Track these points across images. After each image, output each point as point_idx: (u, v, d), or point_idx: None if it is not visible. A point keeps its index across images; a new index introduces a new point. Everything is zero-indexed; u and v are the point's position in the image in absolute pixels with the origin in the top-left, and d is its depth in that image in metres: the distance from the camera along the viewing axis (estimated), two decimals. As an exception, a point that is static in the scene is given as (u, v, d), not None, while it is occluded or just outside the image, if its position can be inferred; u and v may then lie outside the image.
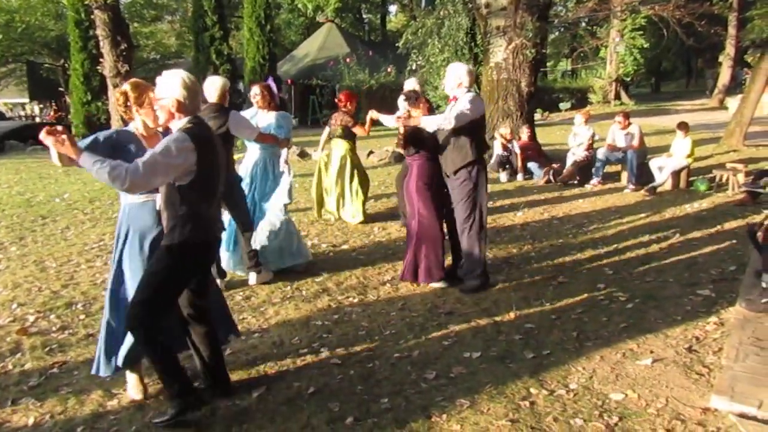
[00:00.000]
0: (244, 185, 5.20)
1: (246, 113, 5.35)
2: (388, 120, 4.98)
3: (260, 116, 5.40)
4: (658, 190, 8.26)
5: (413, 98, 4.94)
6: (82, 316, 4.39)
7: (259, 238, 5.05)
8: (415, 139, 4.79)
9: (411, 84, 6.66)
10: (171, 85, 2.82)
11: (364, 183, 7.10)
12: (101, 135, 3.13)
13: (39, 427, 2.98)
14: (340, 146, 7.03)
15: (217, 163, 2.93)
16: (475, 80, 4.67)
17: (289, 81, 21.93)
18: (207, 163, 2.82)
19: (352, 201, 6.97)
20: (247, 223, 4.94)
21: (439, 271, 4.84)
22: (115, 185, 2.59)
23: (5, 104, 32.39)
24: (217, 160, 2.93)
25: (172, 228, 2.84)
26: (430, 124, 4.66)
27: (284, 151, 5.32)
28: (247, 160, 5.44)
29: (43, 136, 2.62)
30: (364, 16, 40.91)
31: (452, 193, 4.76)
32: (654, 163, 8.56)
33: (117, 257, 3.19)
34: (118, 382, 3.37)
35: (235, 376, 3.43)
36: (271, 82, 5.40)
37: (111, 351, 3.14)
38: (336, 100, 7.10)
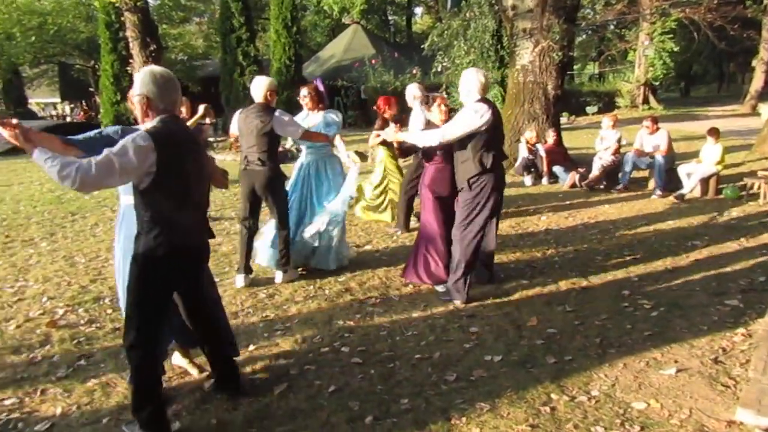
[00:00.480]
0: (290, 185, 5.26)
1: (297, 117, 5.29)
2: (385, 134, 4.92)
3: (310, 118, 5.36)
4: (686, 197, 8.13)
5: (424, 102, 4.96)
6: (109, 311, 4.48)
7: (310, 233, 5.15)
8: (410, 150, 4.88)
9: (413, 90, 6.61)
10: (141, 81, 2.67)
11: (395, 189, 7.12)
12: (106, 129, 3.08)
13: (66, 417, 3.05)
14: (379, 152, 7.20)
15: (189, 167, 2.70)
16: (486, 88, 4.44)
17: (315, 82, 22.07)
18: (172, 165, 2.61)
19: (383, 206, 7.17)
20: (284, 222, 5.00)
21: (436, 276, 4.79)
22: (65, 185, 2.42)
23: (38, 104, 33.19)
24: (189, 163, 2.70)
25: (137, 236, 2.70)
26: (417, 141, 4.62)
27: (341, 146, 5.33)
28: (298, 161, 5.46)
29: None
30: (390, 17, 40.98)
31: (459, 202, 4.62)
32: (683, 170, 8.42)
33: (117, 262, 3.24)
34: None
35: (256, 373, 3.47)
36: (318, 83, 5.37)
37: None
38: (375, 107, 7.10)
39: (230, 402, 3.15)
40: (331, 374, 3.46)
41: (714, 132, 8.32)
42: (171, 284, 2.82)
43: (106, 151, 2.49)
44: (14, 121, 2.60)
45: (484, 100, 4.42)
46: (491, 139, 4.40)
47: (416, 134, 4.66)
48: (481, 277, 4.86)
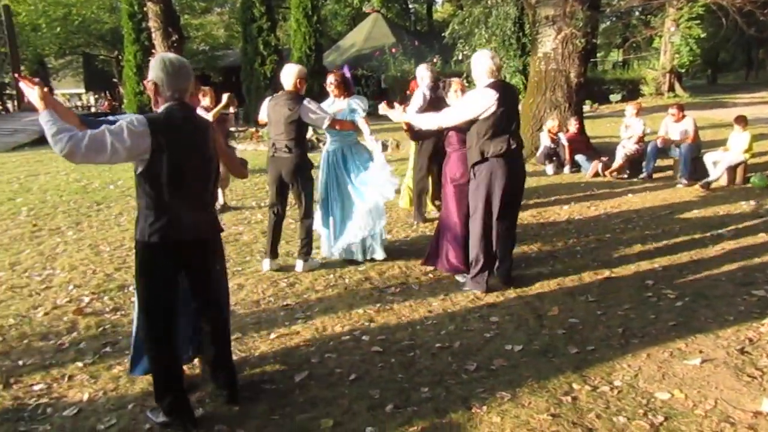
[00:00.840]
0: (320, 174, 5.27)
1: (323, 104, 5.23)
2: (391, 114, 4.87)
3: (336, 104, 5.31)
4: (712, 185, 7.98)
5: (442, 86, 4.95)
6: (133, 299, 4.53)
7: (362, 225, 5.14)
8: (422, 133, 4.87)
9: (422, 70, 6.59)
10: (152, 67, 2.68)
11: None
12: (128, 116, 3.01)
13: (93, 403, 3.11)
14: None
15: (187, 156, 2.66)
16: (496, 70, 4.27)
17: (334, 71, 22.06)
18: (167, 153, 2.56)
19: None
20: (308, 211, 5.05)
21: (454, 265, 4.74)
22: (56, 149, 2.42)
23: (63, 95, 33.68)
24: (187, 152, 2.66)
25: (136, 222, 2.69)
26: (420, 123, 4.61)
27: (366, 128, 5.24)
28: (324, 150, 5.40)
29: (21, 83, 2.63)
30: (411, 6, 40.74)
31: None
32: (709, 158, 8.26)
33: None
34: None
35: (278, 361, 3.50)
36: (346, 70, 5.29)
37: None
38: (407, 92, 7.12)
39: (252, 390, 3.19)
40: (352, 362, 3.48)
41: (741, 120, 8.15)
42: (169, 274, 2.74)
43: (103, 126, 2.50)
44: (36, 79, 2.66)
45: (494, 84, 4.26)
46: (497, 126, 4.20)
47: (417, 116, 4.63)
48: (501, 274, 4.62)
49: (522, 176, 4.55)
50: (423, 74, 6.46)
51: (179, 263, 2.77)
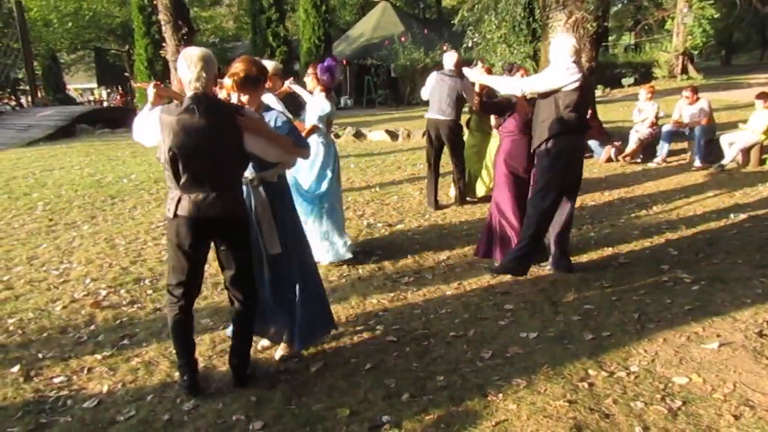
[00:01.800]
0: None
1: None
2: (472, 73, 4.74)
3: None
4: (727, 167, 7.88)
5: (509, 70, 4.84)
6: (149, 291, 4.59)
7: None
8: (496, 106, 4.66)
9: (453, 56, 6.60)
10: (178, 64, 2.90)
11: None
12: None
13: (112, 395, 3.15)
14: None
15: (192, 143, 2.76)
16: (578, 53, 4.23)
17: (344, 61, 21.96)
18: (167, 143, 2.76)
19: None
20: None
21: (501, 250, 4.69)
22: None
23: (75, 90, 33.91)
24: (191, 139, 2.76)
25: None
26: (499, 85, 4.49)
27: (297, 88, 5.09)
28: (325, 142, 5.08)
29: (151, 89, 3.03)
30: (419, -7, 40.39)
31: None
32: (725, 139, 8.13)
33: None
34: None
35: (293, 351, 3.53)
36: (328, 61, 5.02)
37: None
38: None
39: (269, 380, 3.21)
40: (367, 352, 3.49)
41: (764, 96, 7.98)
42: (184, 247, 2.92)
43: (146, 114, 2.93)
44: (152, 82, 3.14)
45: (576, 63, 4.22)
46: (577, 102, 4.19)
47: (497, 78, 4.48)
48: (562, 266, 4.58)
49: (582, 164, 4.56)
50: (452, 60, 6.56)
51: (197, 237, 2.93)
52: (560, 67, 4.18)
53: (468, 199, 6.95)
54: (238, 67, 3.13)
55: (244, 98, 3.13)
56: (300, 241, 3.48)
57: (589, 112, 9.62)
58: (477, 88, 4.64)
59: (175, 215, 2.88)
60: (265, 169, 3.19)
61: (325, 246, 4.86)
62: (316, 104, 4.79)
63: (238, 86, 3.12)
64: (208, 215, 2.87)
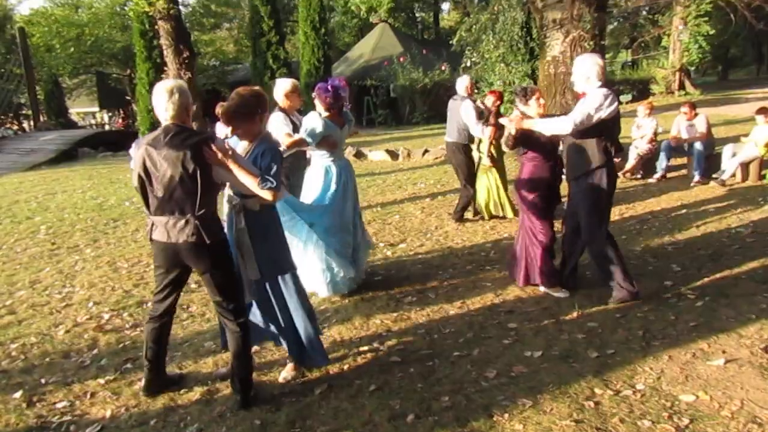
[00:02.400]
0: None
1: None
2: (511, 124, 4.44)
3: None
4: (727, 182, 7.90)
5: (523, 95, 4.54)
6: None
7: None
8: (527, 140, 4.41)
9: (464, 81, 6.72)
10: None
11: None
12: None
13: (115, 419, 3.14)
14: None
15: (153, 169, 2.92)
16: (604, 73, 4.16)
17: (344, 82, 22.14)
18: (136, 170, 2.99)
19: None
20: None
21: (542, 276, 4.53)
22: None
23: (77, 113, 34.13)
24: (152, 165, 2.92)
25: None
26: (547, 128, 4.26)
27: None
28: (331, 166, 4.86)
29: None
30: (417, 14, 40.82)
31: (574, 199, 4.38)
32: (728, 149, 8.11)
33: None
34: (188, 378, 3.51)
35: (297, 373, 3.51)
36: (333, 82, 4.80)
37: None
38: (488, 102, 6.96)
39: (273, 403, 3.20)
40: (371, 373, 3.47)
41: (764, 110, 8.03)
42: (161, 270, 3.17)
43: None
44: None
45: (606, 85, 4.17)
46: (614, 127, 4.19)
47: (545, 121, 4.30)
48: (571, 284, 4.56)
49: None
50: (467, 84, 6.77)
51: (171, 261, 3.12)
52: (599, 95, 4.06)
53: (471, 218, 7.00)
54: (231, 99, 3.24)
55: (229, 130, 3.27)
56: (282, 269, 3.39)
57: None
58: (513, 131, 4.35)
59: (151, 239, 3.10)
60: (246, 197, 3.20)
61: (324, 277, 4.67)
62: (305, 122, 4.66)
63: (226, 119, 3.28)
64: (178, 240, 3.00)
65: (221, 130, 7.17)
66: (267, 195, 3.05)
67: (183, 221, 2.97)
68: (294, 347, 3.47)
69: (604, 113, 4.05)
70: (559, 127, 4.17)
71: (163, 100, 2.94)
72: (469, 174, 6.85)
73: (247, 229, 3.25)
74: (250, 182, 3.02)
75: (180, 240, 2.99)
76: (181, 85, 3.03)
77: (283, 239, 3.47)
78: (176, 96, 2.94)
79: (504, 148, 4.68)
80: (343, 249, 4.69)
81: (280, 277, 3.39)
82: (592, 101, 4.05)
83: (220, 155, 2.94)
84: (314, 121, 4.58)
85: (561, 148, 4.58)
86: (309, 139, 4.57)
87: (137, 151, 2.98)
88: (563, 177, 4.68)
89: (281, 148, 4.43)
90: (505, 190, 6.88)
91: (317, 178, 4.73)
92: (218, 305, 3.18)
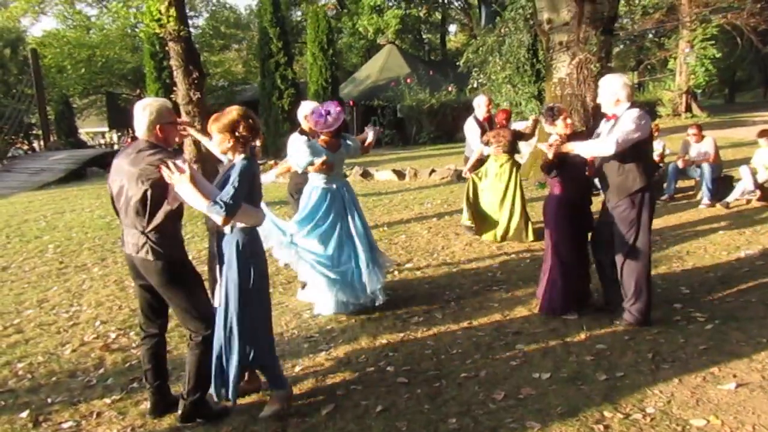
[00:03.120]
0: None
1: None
2: (543, 146, 4.45)
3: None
4: (731, 204, 7.88)
5: (550, 115, 4.45)
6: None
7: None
8: (563, 163, 4.32)
9: (481, 101, 6.97)
10: None
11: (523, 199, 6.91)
12: None
13: (121, 440, 3.12)
14: (500, 160, 6.80)
15: (112, 186, 3.11)
16: (633, 92, 4.13)
17: (351, 102, 22.32)
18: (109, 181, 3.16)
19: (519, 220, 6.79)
20: None
21: (566, 302, 4.46)
22: None
23: (87, 133, 34.46)
24: (112, 182, 3.10)
25: None
26: (587, 151, 4.18)
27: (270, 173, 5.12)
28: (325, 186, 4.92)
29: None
30: (424, 36, 41.21)
31: (615, 221, 4.19)
32: (746, 171, 8.04)
33: None
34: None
35: (303, 394, 3.49)
36: (327, 106, 4.64)
37: None
38: (496, 119, 7.06)
39: (279, 422, 3.17)
40: (378, 394, 3.45)
41: (766, 133, 8.04)
42: (134, 282, 3.32)
43: None
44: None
45: (637, 105, 4.13)
46: (650, 148, 4.21)
47: (586, 144, 4.21)
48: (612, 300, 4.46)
49: None
50: (482, 104, 7.22)
51: (132, 273, 3.26)
52: (634, 115, 4.01)
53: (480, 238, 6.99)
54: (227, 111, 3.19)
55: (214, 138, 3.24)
56: (244, 301, 3.16)
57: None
58: (551, 156, 4.28)
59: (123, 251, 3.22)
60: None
61: (318, 294, 4.75)
62: (289, 147, 4.75)
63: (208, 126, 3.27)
64: (132, 254, 3.09)
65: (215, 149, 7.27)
66: (216, 219, 2.93)
67: (137, 236, 3.04)
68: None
69: (643, 134, 4.00)
70: (602, 149, 4.06)
71: (137, 117, 3.03)
72: None
73: (219, 253, 3.21)
74: (201, 204, 2.90)
75: (134, 253, 3.07)
76: (158, 104, 3.08)
77: (250, 267, 3.18)
78: (147, 113, 3.02)
79: (539, 173, 4.67)
80: (333, 269, 4.68)
81: (243, 307, 3.17)
82: (630, 121, 3.98)
83: (174, 175, 2.85)
84: (298, 147, 4.65)
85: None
86: (296, 167, 4.72)
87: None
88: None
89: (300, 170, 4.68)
90: (520, 213, 6.76)
91: (311, 199, 4.79)
92: (180, 322, 3.25)
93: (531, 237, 6.74)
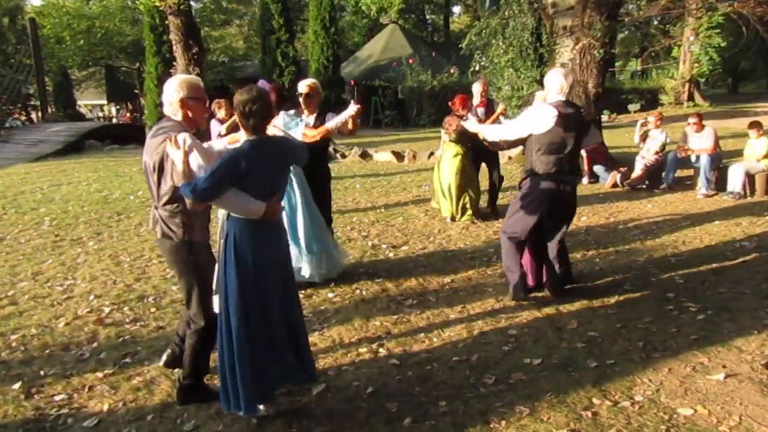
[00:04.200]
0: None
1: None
2: (468, 125, 5.10)
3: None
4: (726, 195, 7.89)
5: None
6: (153, 309, 4.59)
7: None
8: (495, 143, 4.76)
9: (476, 88, 7.00)
10: None
11: (471, 184, 7.17)
12: None
13: (112, 414, 3.14)
14: (452, 149, 7.09)
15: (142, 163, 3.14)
16: (568, 88, 4.24)
17: (351, 82, 22.17)
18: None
19: (454, 200, 7.08)
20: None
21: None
22: None
23: (85, 105, 34.23)
24: (143, 159, 3.10)
25: None
26: (488, 134, 4.73)
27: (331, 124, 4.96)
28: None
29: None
30: (428, 17, 40.85)
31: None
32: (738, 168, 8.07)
33: None
34: (186, 374, 3.51)
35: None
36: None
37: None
38: (450, 104, 7.21)
39: (270, 402, 3.18)
40: (369, 375, 3.47)
41: (756, 125, 8.04)
42: None
43: None
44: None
45: (559, 103, 4.21)
46: (550, 144, 4.20)
47: (484, 127, 4.78)
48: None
49: (569, 201, 4.46)
50: (480, 89, 7.27)
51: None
52: (534, 111, 4.40)
53: (474, 221, 7.05)
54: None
55: (223, 128, 3.30)
56: (224, 292, 2.92)
57: (598, 137, 9.66)
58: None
59: None
60: None
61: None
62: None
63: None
64: (152, 230, 3.11)
65: (216, 127, 7.26)
66: (187, 202, 2.85)
67: (153, 211, 3.09)
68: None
69: (529, 130, 4.28)
70: (491, 134, 4.69)
71: (164, 93, 3.05)
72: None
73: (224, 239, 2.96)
74: (180, 183, 2.81)
75: (152, 228, 3.12)
76: (175, 80, 3.03)
77: (240, 268, 2.89)
78: (165, 90, 3.04)
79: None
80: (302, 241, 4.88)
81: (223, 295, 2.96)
82: (524, 116, 4.45)
83: (172, 150, 2.80)
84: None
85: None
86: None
87: None
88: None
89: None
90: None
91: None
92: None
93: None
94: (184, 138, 2.83)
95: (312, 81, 5.16)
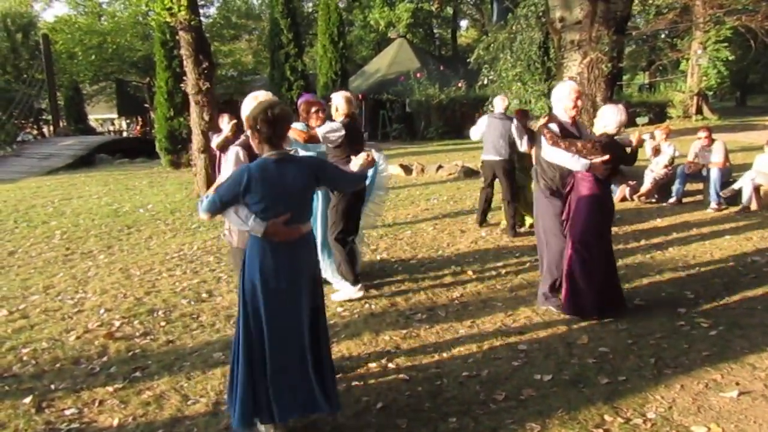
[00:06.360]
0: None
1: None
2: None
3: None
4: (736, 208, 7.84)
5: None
6: (162, 323, 4.60)
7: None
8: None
9: (501, 101, 7.33)
10: None
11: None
12: None
13: (122, 428, 3.14)
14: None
15: None
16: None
17: (360, 96, 22.29)
18: None
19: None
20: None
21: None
22: None
23: (96, 120, 34.61)
24: None
25: None
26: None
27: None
28: None
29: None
30: (435, 31, 41.05)
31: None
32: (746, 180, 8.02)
33: None
34: (195, 389, 3.51)
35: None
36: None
37: None
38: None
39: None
40: (379, 390, 3.46)
41: None
42: None
43: None
44: None
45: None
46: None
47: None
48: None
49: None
50: (503, 104, 7.35)
51: None
52: None
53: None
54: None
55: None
56: (242, 322, 2.92)
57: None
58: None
59: None
60: None
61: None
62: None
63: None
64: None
65: (216, 141, 7.71)
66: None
67: None
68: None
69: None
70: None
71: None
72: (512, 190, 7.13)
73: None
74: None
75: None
76: (251, 101, 3.31)
77: (247, 287, 2.90)
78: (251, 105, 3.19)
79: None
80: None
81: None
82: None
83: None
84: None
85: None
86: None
87: None
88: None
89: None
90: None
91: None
92: None
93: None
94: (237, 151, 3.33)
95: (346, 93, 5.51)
